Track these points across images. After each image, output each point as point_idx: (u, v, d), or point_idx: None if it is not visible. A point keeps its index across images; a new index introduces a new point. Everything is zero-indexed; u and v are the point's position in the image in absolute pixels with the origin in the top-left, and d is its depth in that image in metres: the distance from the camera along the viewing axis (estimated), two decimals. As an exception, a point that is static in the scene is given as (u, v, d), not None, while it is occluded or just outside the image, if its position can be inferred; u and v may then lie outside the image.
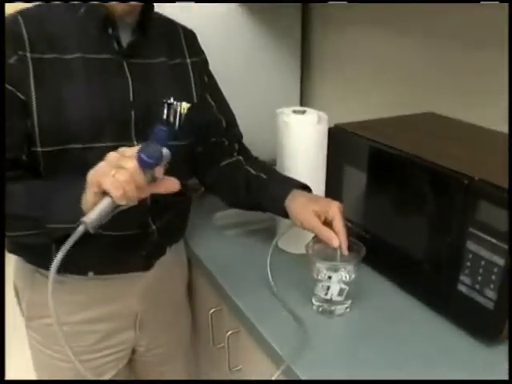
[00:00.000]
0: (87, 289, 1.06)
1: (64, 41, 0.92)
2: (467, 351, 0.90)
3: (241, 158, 1.19)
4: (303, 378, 0.83)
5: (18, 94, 0.88)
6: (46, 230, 0.85)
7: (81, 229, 0.73)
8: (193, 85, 1.09)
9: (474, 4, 1.06)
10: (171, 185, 0.80)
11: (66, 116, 0.91)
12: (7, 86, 0.88)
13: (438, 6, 1.20)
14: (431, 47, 1.27)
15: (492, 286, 0.85)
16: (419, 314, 0.99)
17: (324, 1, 1.55)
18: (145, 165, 0.73)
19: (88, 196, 0.76)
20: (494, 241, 0.83)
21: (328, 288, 0.95)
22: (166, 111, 1.02)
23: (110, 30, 0.94)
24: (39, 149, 0.91)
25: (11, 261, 1.08)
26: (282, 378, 0.88)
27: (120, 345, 1.13)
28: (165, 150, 0.76)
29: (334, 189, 1.17)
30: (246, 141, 1.26)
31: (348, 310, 0.99)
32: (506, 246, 0.81)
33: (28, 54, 0.89)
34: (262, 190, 1.11)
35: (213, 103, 1.15)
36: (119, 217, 0.79)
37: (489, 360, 0.87)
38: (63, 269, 1.01)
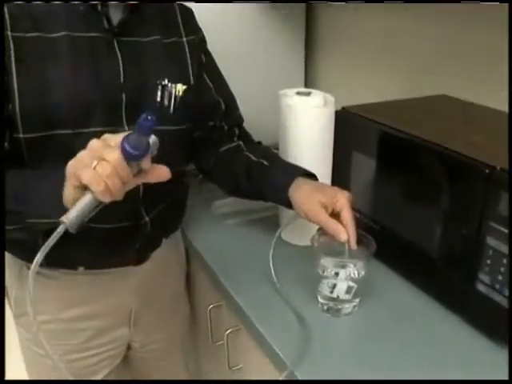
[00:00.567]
0: (78, 284, 1.00)
1: (49, 18, 0.85)
2: (483, 354, 0.83)
3: (241, 143, 1.12)
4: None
5: None
6: (26, 225, 0.78)
7: (61, 229, 0.66)
8: (189, 65, 1.01)
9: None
10: (161, 173, 0.72)
11: (50, 99, 0.84)
12: None
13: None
14: (442, 27, 1.20)
15: (514, 285, 0.78)
16: (432, 312, 0.92)
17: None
18: (129, 156, 0.65)
19: (67, 190, 0.69)
20: (517, 236, 0.76)
21: (334, 286, 0.88)
22: (159, 93, 0.95)
23: (99, 7, 0.87)
24: (21, 135, 0.85)
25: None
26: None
27: (114, 342, 1.08)
28: (152, 138, 0.68)
29: (341, 176, 1.10)
30: (247, 125, 1.18)
31: (356, 308, 0.92)
32: (530, 243, 0.75)
33: (9, 33, 0.82)
34: (264, 177, 1.03)
35: (211, 84, 1.08)
36: (109, 208, 0.72)
37: (505, 362, 0.80)
38: (52, 263, 0.96)
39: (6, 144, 0.85)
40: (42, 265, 0.95)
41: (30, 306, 0.67)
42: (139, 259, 1.03)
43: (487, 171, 0.80)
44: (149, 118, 0.64)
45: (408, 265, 1.00)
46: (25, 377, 1.12)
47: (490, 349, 0.84)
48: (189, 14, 1.06)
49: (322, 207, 0.90)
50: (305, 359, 0.81)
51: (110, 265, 1.00)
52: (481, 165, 0.81)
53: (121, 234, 0.95)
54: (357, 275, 0.88)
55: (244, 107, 1.17)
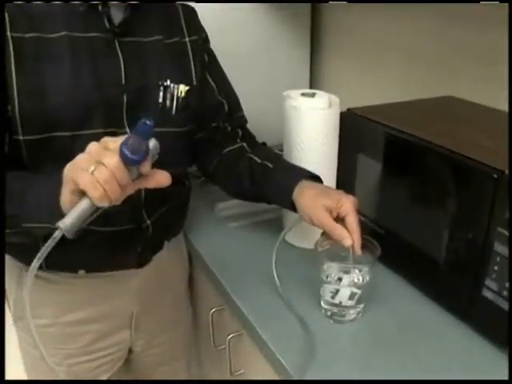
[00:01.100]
0: (78, 288, 0.99)
1: (48, 19, 0.84)
2: (489, 361, 0.81)
3: (244, 144, 1.10)
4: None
5: None
6: (22, 229, 0.77)
7: (57, 234, 0.65)
8: (192, 66, 0.99)
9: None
10: (162, 179, 0.71)
11: (49, 101, 0.83)
12: None
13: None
14: (450, 28, 1.17)
15: (522, 292, 0.76)
16: (437, 318, 0.90)
17: (325, 1, 1.47)
18: (128, 161, 0.64)
19: (64, 194, 0.68)
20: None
21: (337, 292, 0.86)
22: (161, 94, 0.94)
23: (100, 7, 0.86)
24: (21, 137, 0.83)
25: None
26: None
27: (115, 346, 1.06)
28: (153, 142, 0.67)
29: (346, 180, 1.08)
30: (251, 126, 1.17)
31: (360, 314, 0.90)
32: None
33: (8, 33, 0.81)
34: (268, 179, 1.01)
35: (214, 85, 1.06)
36: (110, 211, 0.71)
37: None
38: (52, 267, 0.95)
39: (5, 146, 0.84)
40: (42, 268, 0.95)
41: (28, 310, 0.66)
42: (140, 262, 1.01)
43: (496, 176, 0.78)
44: (147, 122, 0.62)
45: (413, 270, 0.98)
46: (25, 377, 1.11)
47: (496, 356, 0.82)
48: (192, 13, 1.04)
49: (327, 211, 0.88)
50: (307, 366, 0.79)
51: (110, 268, 0.98)
52: (489, 169, 0.79)
53: (122, 238, 0.94)
54: (361, 281, 0.86)
55: (248, 108, 1.15)
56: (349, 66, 1.55)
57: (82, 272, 0.96)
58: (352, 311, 0.89)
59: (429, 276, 0.94)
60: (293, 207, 0.96)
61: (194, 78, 0.99)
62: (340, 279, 0.86)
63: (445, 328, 0.88)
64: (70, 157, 0.69)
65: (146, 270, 1.03)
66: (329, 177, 1.06)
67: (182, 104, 0.95)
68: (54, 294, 0.98)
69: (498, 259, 0.79)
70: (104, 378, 1.07)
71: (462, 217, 0.85)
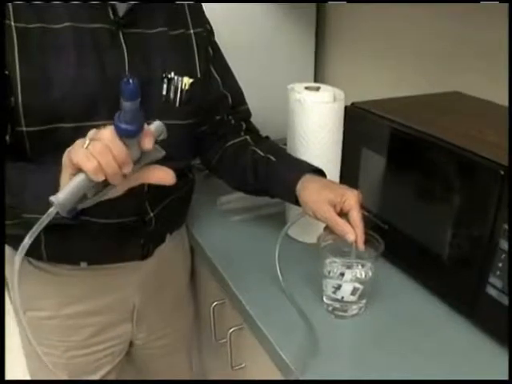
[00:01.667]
0: (80, 280, 0.99)
1: (52, 9, 0.83)
2: (493, 359, 0.81)
3: (248, 137, 1.09)
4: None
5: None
6: (22, 220, 0.76)
7: (51, 210, 0.63)
8: (196, 58, 0.98)
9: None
10: (165, 177, 0.69)
11: (53, 92, 0.82)
12: None
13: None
14: (455, 23, 1.16)
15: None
16: (441, 314, 0.90)
17: (324, 1, 1.47)
18: (122, 132, 0.62)
19: (63, 180, 0.67)
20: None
21: (339, 287, 0.86)
22: (165, 87, 0.93)
23: None
24: (24, 128, 0.83)
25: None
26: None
27: (116, 338, 1.06)
28: (156, 122, 0.66)
29: (349, 174, 1.07)
30: (255, 119, 1.16)
31: (363, 310, 0.90)
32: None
33: (12, 24, 0.80)
34: (271, 173, 1.00)
35: (218, 78, 1.05)
36: (113, 203, 0.71)
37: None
38: (54, 259, 0.95)
39: (7, 137, 0.83)
40: (43, 260, 0.95)
41: (16, 293, 0.64)
42: (143, 255, 1.01)
43: (502, 172, 0.77)
44: (130, 81, 0.60)
45: (417, 266, 0.97)
46: (25, 377, 1.11)
47: (500, 353, 0.81)
48: (197, 6, 1.03)
49: (330, 205, 0.87)
50: (308, 361, 0.79)
51: (112, 261, 0.98)
52: (495, 165, 0.78)
53: (125, 230, 0.94)
54: (364, 276, 0.85)
55: (252, 101, 1.15)
56: (354, 60, 1.54)
57: (83, 264, 0.96)
58: (354, 307, 0.88)
59: (432, 272, 0.93)
60: (296, 201, 0.95)
61: (199, 71, 0.98)
62: (342, 274, 0.86)
63: (447, 324, 0.88)
64: None
65: (148, 262, 1.03)
66: (332, 171, 1.06)
67: (186, 96, 0.94)
68: (55, 287, 0.98)
69: (503, 256, 0.78)
70: (105, 370, 1.07)
71: (467, 213, 0.84)
